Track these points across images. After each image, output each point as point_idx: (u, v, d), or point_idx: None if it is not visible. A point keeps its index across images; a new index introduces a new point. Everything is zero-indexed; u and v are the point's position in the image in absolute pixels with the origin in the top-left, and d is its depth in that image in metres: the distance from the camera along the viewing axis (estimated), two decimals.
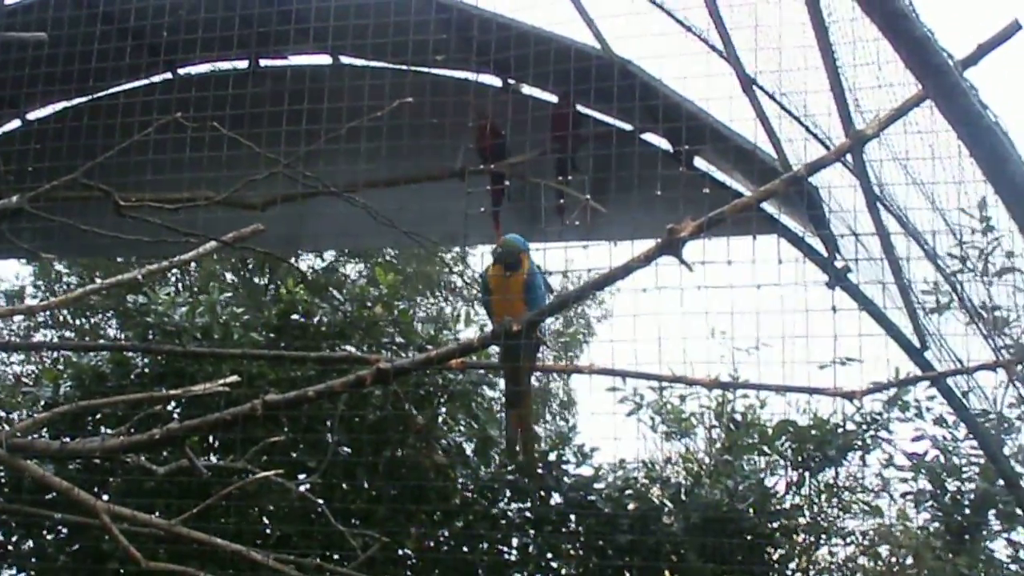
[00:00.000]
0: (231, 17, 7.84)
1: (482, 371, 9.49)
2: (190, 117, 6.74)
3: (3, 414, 10.11)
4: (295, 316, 10.05)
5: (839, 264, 8.33)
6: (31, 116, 9.51)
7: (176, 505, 7.51)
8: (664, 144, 8.91)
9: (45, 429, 8.74)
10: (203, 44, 7.81)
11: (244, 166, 7.13)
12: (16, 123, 9.51)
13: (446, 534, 9.65)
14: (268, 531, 9.28)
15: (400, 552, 9.43)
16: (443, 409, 9.92)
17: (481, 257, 8.00)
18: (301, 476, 9.06)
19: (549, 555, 9.58)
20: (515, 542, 9.79)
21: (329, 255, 10.88)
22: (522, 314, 6.00)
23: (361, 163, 7.02)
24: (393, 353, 9.64)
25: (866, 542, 10.14)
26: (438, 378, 9.68)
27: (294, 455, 9.21)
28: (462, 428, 10.07)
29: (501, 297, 6.09)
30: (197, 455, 7.55)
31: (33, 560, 9.54)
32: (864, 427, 9.81)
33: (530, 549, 9.63)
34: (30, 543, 9.62)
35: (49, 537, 9.58)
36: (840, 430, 9.80)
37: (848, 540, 10.23)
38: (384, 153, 6.89)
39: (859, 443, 9.85)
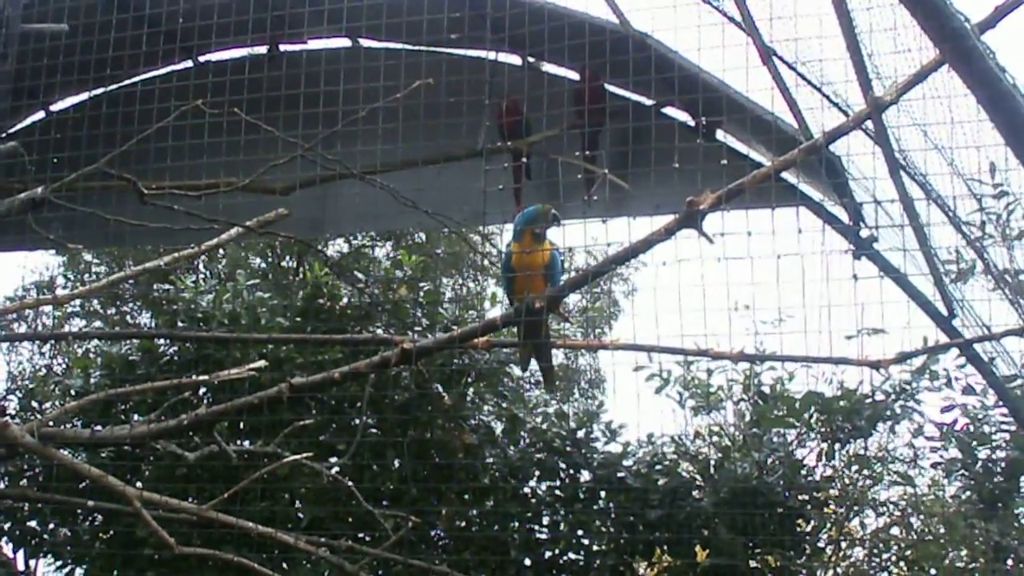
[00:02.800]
0: (248, 2, 7.84)
1: (508, 350, 9.49)
2: (210, 103, 6.77)
3: (35, 404, 10.19)
4: (321, 300, 10.08)
5: (864, 233, 8.29)
6: (53, 107, 9.55)
7: (207, 490, 7.56)
8: (682, 117, 8.89)
9: (77, 418, 8.83)
10: (221, 30, 7.83)
11: (264, 151, 7.15)
12: (39, 114, 9.55)
13: (476, 513, 9.68)
14: (300, 514, 9.34)
15: (431, 532, 9.47)
16: (470, 389, 9.93)
17: (502, 235, 8.00)
18: (331, 459, 9.11)
19: (580, 532, 9.60)
20: (546, 520, 9.81)
21: (357, 238, 10.92)
22: (543, 291, 5.99)
23: (381, 145, 7.02)
24: (419, 334, 9.67)
25: (898, 512, 10.09)
26: (465, 358, 9.70)
27: (323, 438, 9.25)
28: (490, 408, 10.08)
29: (522, 274, 6.09)
30: (227, 440, 7.61)
31: (68, 548, 9.63)
32: (893, 397, 9.74)
33: (561, 527, 9.65)
34: (65, 531, 9.71)
35: (84, 524, 9.67)
36: (868, 401, 9.74)
37: (879, 511, 10.18)
38: (404, 134, 6.88)
39: (888, 413, 9.78)
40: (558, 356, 9.34)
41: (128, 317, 10.49)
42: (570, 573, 9.55)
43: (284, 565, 8.82)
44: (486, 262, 11.29)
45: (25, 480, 9.55)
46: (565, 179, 8.27)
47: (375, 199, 7.94)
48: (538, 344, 6.56)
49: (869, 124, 6.35)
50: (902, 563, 9.88)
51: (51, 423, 7.09)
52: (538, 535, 9.74)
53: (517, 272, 6.12)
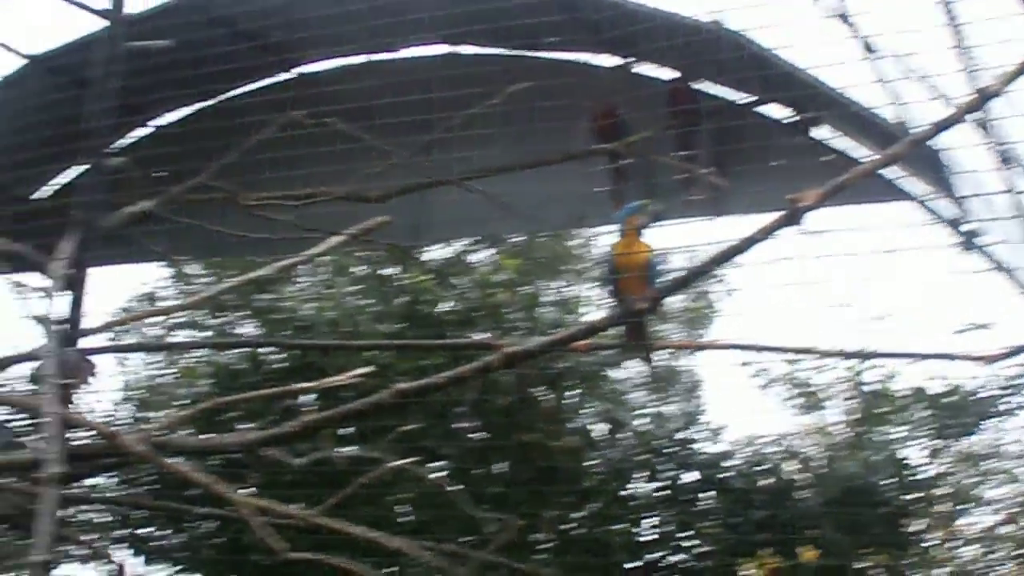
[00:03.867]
0: (345, 12, 7.91)
1: (609, 352, 9.45)
2: (308, 114, 6.87)
3: (147, 413, 10.38)
4: (421, 306, 10.14)
5: (969, 227, 8.12)
6: (158, 122, 9.70)
7: (314, 496, 7.63)
8: (782, 114, 8.79)
9: (187, 426, 8.98)
10: (319, 41, 7.92)
11: (363, 160, 7.22)
12: (144, 130, 9.70)
13: (579, 516, 9.67)
14: (405, 519, 9.39)
15: (535, 535, 9.47)
16: (572, 392, 9.93)
17: (603, 239, 8.00)
18: (435, 463, 9.16)
19: (683, 534, 9.55)
20: (649, 522, 9.77)
21: (457, 244, 10.96)
22: (644, 292, 5.95)
23: (478, 150, 7.05)
24: (519, 338, 9.68)
25: (1008, 510, 9.89)
26: (566, 361, 9.69)
27: (426, 443, 9.30)
28: (591, 410, 10.07)
29: (624, 275, 6.05)
30: (332, 447, 7.68)
31: (181, 554, 9.81)
32: (1002, 393, 9.56)
33: (664, 528, 9.61)
34: (178, 537, 9.89)
35: (195, 531, 9.84)
36: (976, 397, 9.57)
37: (989, 509, 9.99)
38: (501, 139, 6.91)
39: (997, 409, 9.60)
40: (659, 357, 9.31)
41: (233, 327, 10.64)
42: (673, 575, 9.51)
43: (390, 569, 8.90)
44: (585, 265, 11.27)
45: (138, 487, 9.74)
46: (663, 180, 8.22)
47: (473, 205, 7.97)
48: (640, 345, 6.52)
49: (975, 115, 6.23)
50: (1013, 561, 9.68)
51: (162, 431, 7.21)
52: (641, 537, 9.71)
53: (618, 273, 6.08)
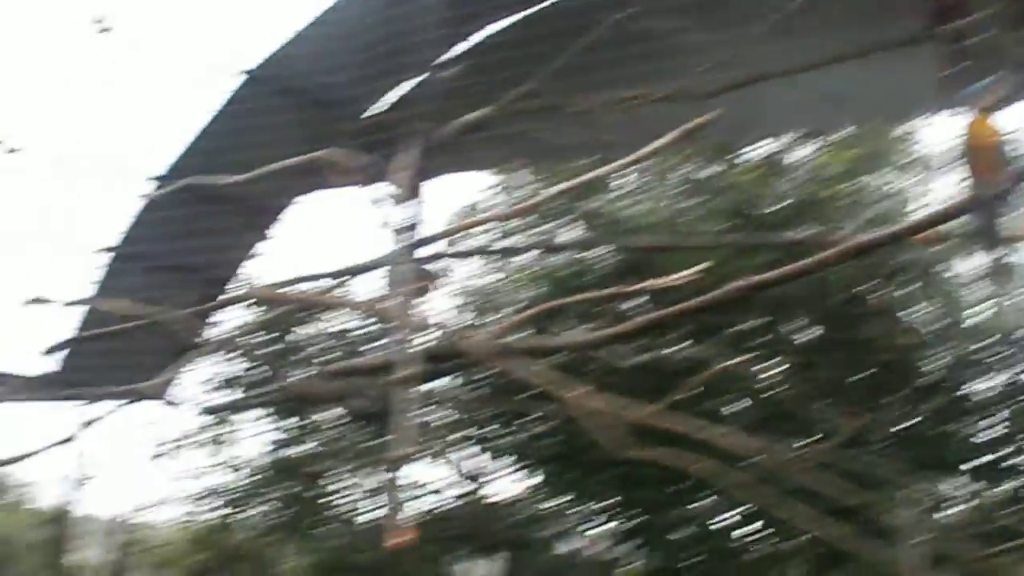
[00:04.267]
0: None
1: (946, 245, 9.05)
2: (632, 15, 6.83)
3: (483, 319, 10.71)
4: (748, 203, 9.99)
5: None
6: (487, 31, 9.80)
7: (649, 394, 7.72)
8: None
9: (524, 328, 9.24)
10: None
11: (687, 58, 7.13)
12: (475, 40, 9.82)
13: (914, 414, 9.43)
14: (740, 416, 9.37)
15: (870, 434, 9.30)
16: (908, 287, 9.61)
17: (940, 127, 7.60)
18: (769, 361, 9.10)
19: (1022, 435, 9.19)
20: (985, 422, 9.44)
21: (783, 139, 10.70)
22: (997, 176, 5.58)
23: (806, 40, 6.84)
24: (849, 233, 9.43)
25: None
26: (903, 254, 9.34)
27: (758, 341, 9.23)
28: (925, 307, 9.73)
29: (974, 159, 5.69)
30: (663, 346, 7.73)
31: (524, 451, 10.15)
32: None
33: (1001, 428, 9.26)
34: (518, 435, 10.22)
35: (536, 428, 10.15)
36: None
37: None
38: (831, 26, 6.66)
39: None
40: (1005, 247, 8.89)
41: (562, 231, 10.81)
42: (1014, 476, 9.18)
43: (726, 465, 8.95)
44: (918, 156, 10.81)
45: (480, 388, 10.09)
46: (1009, 59, 7.74)
47: (804, 98, 7.74)
48: (988, 233, 6.14)
49: None
50: None
51: (501, 335, 7.42)
52: (977, 437, 9.40)
53: (968, 156, 5.73)
